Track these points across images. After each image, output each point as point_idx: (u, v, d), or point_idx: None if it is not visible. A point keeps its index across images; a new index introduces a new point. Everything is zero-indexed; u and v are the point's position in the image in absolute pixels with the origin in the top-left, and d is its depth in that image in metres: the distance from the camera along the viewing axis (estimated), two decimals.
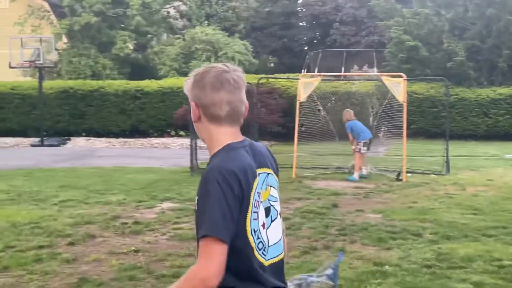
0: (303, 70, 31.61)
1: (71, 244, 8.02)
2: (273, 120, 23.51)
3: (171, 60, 32.14)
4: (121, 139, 25.24)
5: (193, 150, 15.48)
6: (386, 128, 16.24)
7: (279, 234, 2.74)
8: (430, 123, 24.56)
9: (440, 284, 6.27)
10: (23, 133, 26.49)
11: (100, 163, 17.60)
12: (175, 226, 9.12)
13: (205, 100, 2.60)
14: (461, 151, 19.92)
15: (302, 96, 14.94)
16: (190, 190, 12.35)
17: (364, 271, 6.72)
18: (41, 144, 23.75)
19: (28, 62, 24.91)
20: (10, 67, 25.33)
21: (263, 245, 2.59)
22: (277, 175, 2.80)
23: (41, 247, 7.83)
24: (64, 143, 24.47)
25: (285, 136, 23.16)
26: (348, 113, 14.62)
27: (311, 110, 16.49)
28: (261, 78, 19.84)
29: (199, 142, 16.87)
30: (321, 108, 16.49)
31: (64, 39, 33.49)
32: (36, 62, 24.61)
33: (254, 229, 2.55)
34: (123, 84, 27.02)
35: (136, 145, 23.73)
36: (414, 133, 23.25)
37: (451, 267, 6.90)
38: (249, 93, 14.03)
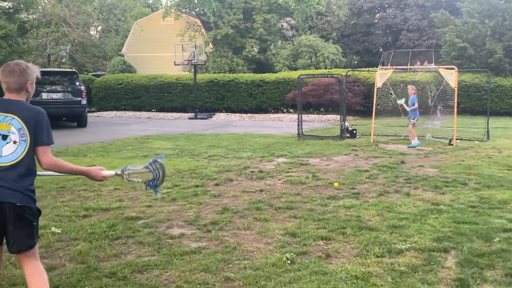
0: (379, 65, 30.80)
1: (217, 185, 8.21)
2: (356, 101, 23.08)
3: (283, 59, 32.05)
4: (249, 114, 25.45)
5: (300, 122, 15.43)
6: (441, 107, 15.57)
7: (12, 152, 3.22)
8: (475, 103, 23.45)
9: (482, 219, 5.99)
10: (183, 110, 27.23)
11: (235, 130, 17.87)
12: (287, 174, 9.14)
13: None
14: (498, 124, 18.89)
15: (378, 83, 14.59)
16: (298, 149, 12.33)
17: (424, 209, 6.53)
18: (195, 118, 24.32)
19: (186, 61, 25.46)
20: (175, 64, 26.02)
21: None
22: (25, 121, 3.26)
23: (197, 186, 8.05)
24: (211, 117, 24.95)
25: (365, 112, 22.70)
26: (412, 88, 13.79)
27: (384, 94, 16.09)
28: (348, 71, 19.44)
29: (304, 117, 16.83)
30: (392, 92, 15.98)
31: (210, 45, 34.02)
32: (192, 61, 25.10)
33: None
34: (251, 76, 27.16)
35: (259, 119, 23.89)
36: (462, 111, 22.36)
37: (490, 207, 6.59)
38: (340, 82, 13.78)
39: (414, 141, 13.12)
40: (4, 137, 3.24)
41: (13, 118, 3.26)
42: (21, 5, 35.75)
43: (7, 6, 35.61)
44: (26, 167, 3.28)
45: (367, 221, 5.97)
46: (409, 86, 14.00)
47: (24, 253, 3.36)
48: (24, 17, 38.72)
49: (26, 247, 3.32)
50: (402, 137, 14.59)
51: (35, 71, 3.47)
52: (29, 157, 3.30)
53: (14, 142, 3.25)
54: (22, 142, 3.26)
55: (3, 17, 33.65)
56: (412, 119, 13.39)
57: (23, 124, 3.27)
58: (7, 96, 3.37)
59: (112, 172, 3.81)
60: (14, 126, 3.26)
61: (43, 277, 3.43)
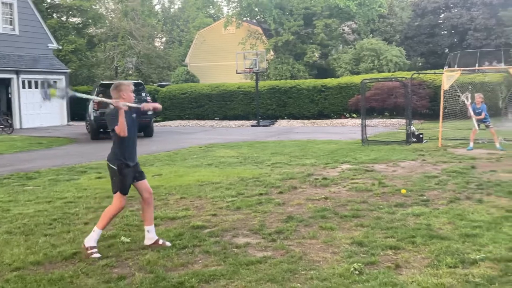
0: (445, 67, 29.82)
1: (281, 192, 8.17)
2: (422, 105, 22.50)
3: (345, 63, 31.69)
4: (311, 120, 25.34)
5: (363, 127, 15.16)
6: None
7: None
8: None
9: None
10: (246, 117, 27.46)
11: (297, 137, 17.80)
12: (352, 181, 8.98)
13: None
14: None
15: (445, 86, 14.14)
16: (362, 155, 12.11)
17: (499, 216, 6.22)
18: (258, 125, 24.45)
19: (248, 69, 25.69)
20: (237, 72, 26.31)
21: None
22: None
23: (261, 194, 8.05)
24: (273, 124, 25.01)
25: (432, 116, 22.08)
26: (480, 96, 13.45)
27: (451, 96, 15.55)
28: (414, 73, 18.98)
29: (367, 121, 16.54)
30: (460, 94, 15.43)
31: (271, 52, 34.15)
32: (253, 69, 25.30)
33: None
34: (312, 82, 27.06)
35: (322, 124, 23.72)
36: None
37: None
38: (404, 85, 13.52)
39: (472, 144, 12.90)
40: None
41: None
42: (90, 20, 37.36)
43: (77, 22, 37.28)
44: (125, 140, 5.34)
45: (438, 230, 5.76)
46: (476, 95, 13.50)
47: None
48: (93, 31, 40.41)
49: None
50: (486, 142, 13.85)
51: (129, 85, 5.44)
52: None
53: None
54: None
55: (73, 32, 35.27)
56: (488, 122, 13.02)
57: None
58: None
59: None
60: None
61: None
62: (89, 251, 5.21)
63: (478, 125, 13.26)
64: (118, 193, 5.35)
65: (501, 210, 6.54)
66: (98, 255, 5.19)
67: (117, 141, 5.31)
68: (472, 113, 13.14)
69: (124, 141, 5.30)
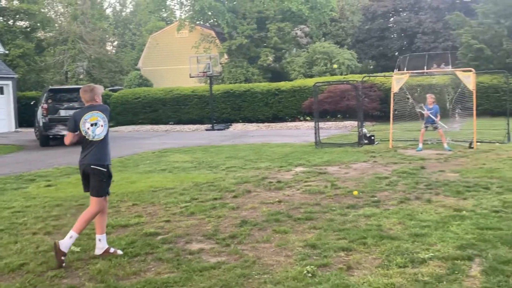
0: (395, 70, 30.58)
1: (235, 197, 8.17)
2: (373, 107, 22.93)
3: (299, 67, 31.97)
4: (266, 124, 25.41)
5: (317, 130, 15.34)
6: (459, 110, 15.36)
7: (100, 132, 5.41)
8: (494, 104, 23.06)
9: (506, 225, 5.86)
10: (200, 122, 27.31)
11: (252, 140, 17.84)
12: (306, 183, 9.07)
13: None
14: None
15: (395, 88, 14.46)
16: (316, 158, 12.25)
17: (447, 215, 6.41)
18: (212, 129, 24.37)
19: (202, 73, 25.59)
20: (190, 76, 26.17)
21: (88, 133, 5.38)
22: (107, 116, 5.51)
23: (215, 199, 8.03)
24: (228, 128, 24.98)
25: (383, 117, 22.53)
26: (431, 97, 13.86)
27: (401, 98, 15.91)
28: (364, 76, 19.35)
29: (321, 124, 16.73)
30: (409, 97, 15.82)
31: (225, 56, 34.13)
32: (207, 73, 25.23)
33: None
34: (267, 86, 27.16)
35: (276, 128, 23.84)
36: (481, 113, 21.93)
37: None
38: (355, 88, 13.80)
39: (421, 145, 13.28)
40: (94, 124, 5.39)
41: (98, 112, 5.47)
42: (38, 24, 36.37)
43: (25, 25, 36.22)
44: (107, 141, 5.46)
45: (388, 230, 5.88)
46: (428, 95, 13.89)
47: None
48: (41, 35, 39.36)
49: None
50: (434, 143, 14.19)
51: (101, 88, 5.74)
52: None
53: (102, 126, 5.42)
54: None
55: (20, 36, 34.25)
56: (435, 124, 13.39)
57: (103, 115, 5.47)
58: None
59: None
60: (100, 118, 5.45)
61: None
62: (62, 258, 5.10)
63: (426, 127, 13.65)
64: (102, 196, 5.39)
65: (449, 209, 6.74)
66: (119, 251, 5.45)
67: (104, 144, 5.43)
68: (428, 113, 13.49)
69: (107, 143, 5.47)
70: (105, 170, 5.38)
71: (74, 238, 5.26)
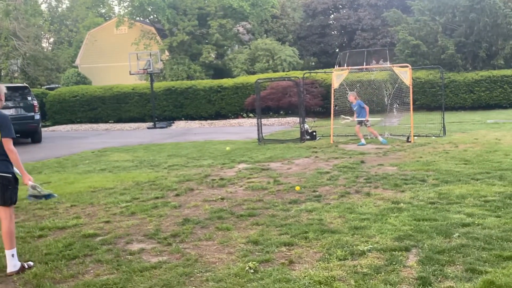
0: (335, 66, 31.16)
1: (177, 195, 8.10)
2: (315, 103, 23.31)
3: (241, 63, 32.06)
4: (209, 121, 25.36)
5: (259, 126, 15.42)
6: (397, 105, 15.82)
7: None
8: (430, 99, 23.94)
9: (441, 215, 6.08)
10: (142, 120, 26.94)
11: (195, 138, 17.74)
12: (249, 180, 9.10)
13: None
14: (453, 119, 19.38)
15: (335, 84, 14.73)
16: (258, 154, 12.31)
17: (385, 208, 6.59)
18: (154, 127, 24.08)
19: (142, 70, 25.20)
20: (130, 74, 25.72)
21: None
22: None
23: (157, 198, 7.93)
24: (170, 125, 24.74)
25: (324, 113, 22.96)
26: (352, 94, 14.27)
27: (342, 94, 16.22)
28: (305, 73, 19.60)
29: (264, 121, 16.83)
30: (349, 92, 16.16)
31: (167, 53, 33.77)
32: (148, 70, 24.87)
33: None
34: (209, 83, 27.08)
35: (219, 125, 23.82)
36: (418, 108, 22.81)
37: (449, 203, 6.70)
38: (297, 84, 13.90)
39: (363, 140, 13.54)
40: None
41: None
42: None
43: None
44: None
45: (329, 224, 5.99)
46: (349, 93, 14.30)
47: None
48: None
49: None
50: (373, 137, 14.52)
51: (2, 88, 5.11)
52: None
53: None
54: None
55: None
56: (366, 121, 13.73)
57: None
58: None
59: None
60: None
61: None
62: (25, 267, 4.92)
63: (360, 123, 14.00)
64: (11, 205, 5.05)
65: (387, 202, 6.93)
66: (30, 263, 5.05)
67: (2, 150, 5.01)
68: (352, 119, 13.98)
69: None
70: (10, 176, 5.03)
71: (14, 253, 4.94)
